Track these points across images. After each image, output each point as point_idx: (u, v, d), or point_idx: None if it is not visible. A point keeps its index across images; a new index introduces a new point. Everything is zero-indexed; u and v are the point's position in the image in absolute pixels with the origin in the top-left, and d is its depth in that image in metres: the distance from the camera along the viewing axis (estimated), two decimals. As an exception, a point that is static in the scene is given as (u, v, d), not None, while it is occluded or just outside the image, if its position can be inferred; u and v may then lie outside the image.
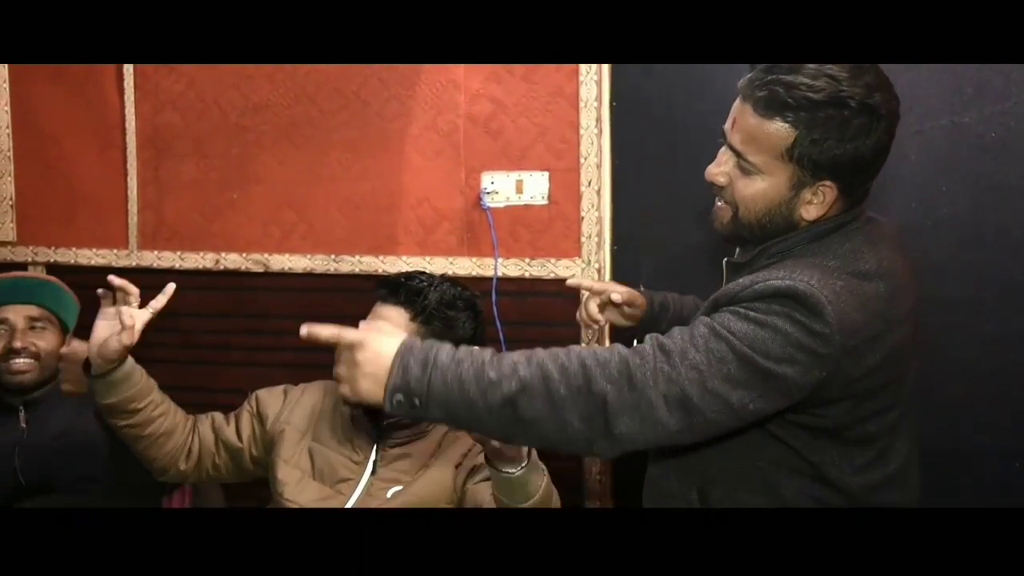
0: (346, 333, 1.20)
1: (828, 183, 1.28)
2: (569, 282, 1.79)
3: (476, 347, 1.20)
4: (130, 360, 1.66)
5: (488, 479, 1.68)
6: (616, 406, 1.17)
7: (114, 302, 1.63)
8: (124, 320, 1.59)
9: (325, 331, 1.21)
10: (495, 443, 1.44)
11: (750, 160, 1.30)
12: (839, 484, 1.31)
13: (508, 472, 1.46)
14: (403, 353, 1.17)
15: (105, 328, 1.61)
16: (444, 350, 1.18)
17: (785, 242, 1.33)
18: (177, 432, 1.78)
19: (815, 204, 1.30)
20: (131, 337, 1.60)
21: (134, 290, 1.62)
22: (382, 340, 1.19)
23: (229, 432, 1.85)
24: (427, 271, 1.88)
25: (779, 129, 1.26)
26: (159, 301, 1.65)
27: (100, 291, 1.64)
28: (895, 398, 1.33)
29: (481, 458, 1.75)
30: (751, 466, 1.34)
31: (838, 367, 1.22)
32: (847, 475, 1.31)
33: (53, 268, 2.36)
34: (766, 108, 1.26)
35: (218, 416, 1.87)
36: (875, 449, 1.33)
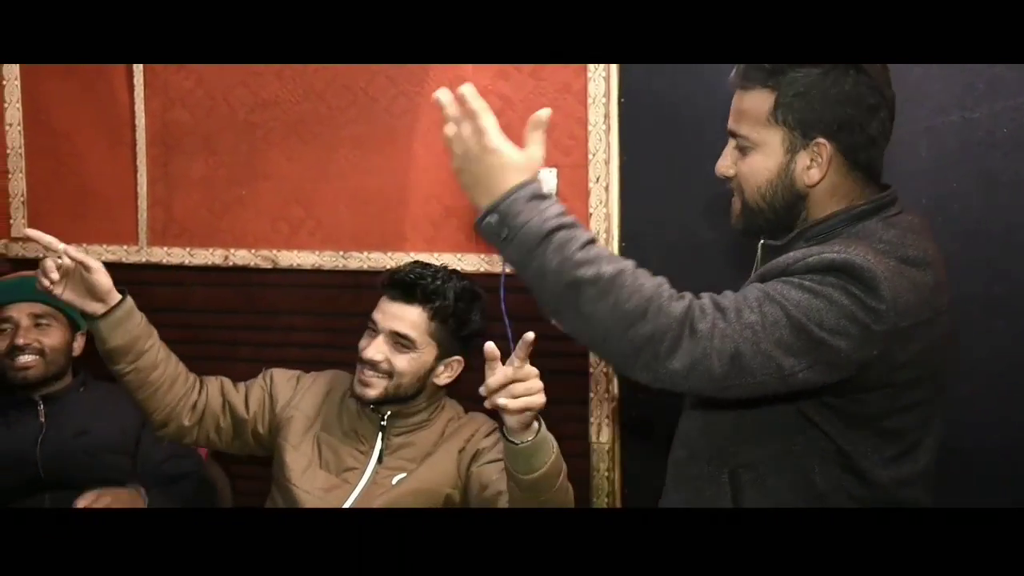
0: (492, 132, 1.22)
1: (820, 140, 1.30)
2: None
3: (577, 221, 1.22)
4: (128, 298, 1.68)
5: (492, 461, 1.70)
6: (671, 346, 1.17)
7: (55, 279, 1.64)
8: (74, 257, 1.61)
9: (479, 103, 1.24)
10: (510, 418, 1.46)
11: (743, 135, 1.34)
12: (870, 475, 1.31)
13: (512, 442, 1.49)
14: (523, 187, 1.20)
15: (74, 282, 1.63)
16: (555, 207, 1.20)
17: (822, 225, 1.33)
18: (179, 383, 1.78)
19: (814, 167, 1.31)
20: (93, 260, 1.63)
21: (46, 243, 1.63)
22: (513, 163, 1.21)
23: (237, 399, 1.86)
24: (422, 262, 1.90)
25: (760, 95, 1.31)
26: (47, 239, 1.64)
27: (43, 287, 1.64)
28: (931, 393, 1.33)
29: (485, 442, 1.77)
30: (785, 451, 1.33)
31: (887, 348, 1.22)
32: (878, 467, 1.31)
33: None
34: (748, 80, 1.32)
35: (227, 380, 1.89)
36: (907, 443, 1.33)
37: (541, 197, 1.20)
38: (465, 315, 1.82)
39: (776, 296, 1.21)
